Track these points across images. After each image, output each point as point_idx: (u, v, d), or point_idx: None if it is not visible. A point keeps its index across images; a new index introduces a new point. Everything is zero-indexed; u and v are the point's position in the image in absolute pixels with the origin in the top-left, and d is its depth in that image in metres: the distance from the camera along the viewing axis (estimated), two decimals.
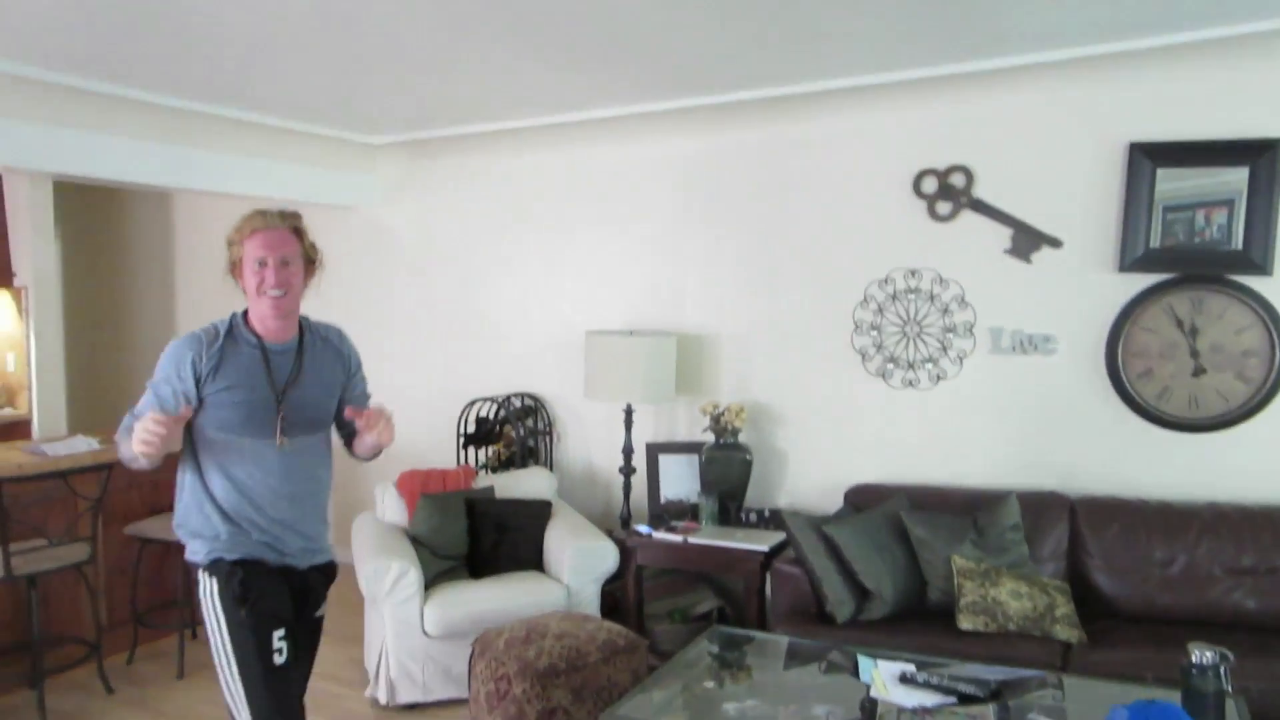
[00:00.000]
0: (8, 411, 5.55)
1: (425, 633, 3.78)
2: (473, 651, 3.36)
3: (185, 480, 2.43)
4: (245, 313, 2.45)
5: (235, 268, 2.43)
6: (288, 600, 2.44)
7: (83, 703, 3.92)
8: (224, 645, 2.37)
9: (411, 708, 3.84)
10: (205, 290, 6.25)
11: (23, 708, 3.81)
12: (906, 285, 4.16)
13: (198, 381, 2.32)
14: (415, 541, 4.08)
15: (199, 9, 2.94)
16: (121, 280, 6.72)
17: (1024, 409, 3.97)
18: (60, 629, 4.10)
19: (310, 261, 2.48)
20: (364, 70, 3.73)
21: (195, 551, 2.42)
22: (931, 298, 4.12)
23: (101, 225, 6.74)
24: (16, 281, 5.34)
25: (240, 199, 5.55)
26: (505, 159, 5.13)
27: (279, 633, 2.38)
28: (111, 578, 4.33)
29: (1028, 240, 3.91)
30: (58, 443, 4.27)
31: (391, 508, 4.29)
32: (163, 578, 4.48)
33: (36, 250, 5.29)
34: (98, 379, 6.77)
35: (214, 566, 2.38)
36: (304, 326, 2.52)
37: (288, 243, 2.41)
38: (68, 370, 5.71)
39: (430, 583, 3.92)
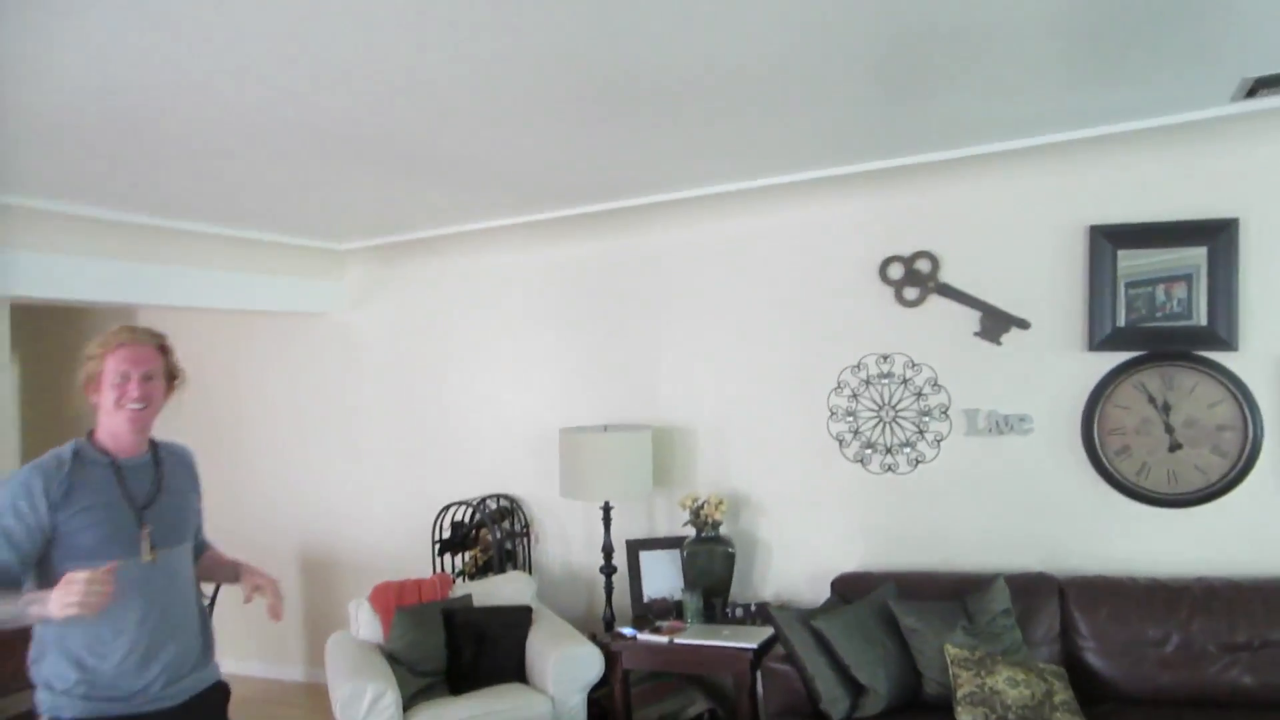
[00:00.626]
0: None
1: None
2: None
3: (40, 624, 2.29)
4: (90, 434, 2.42)
5: (92, 381, 2.40)
6: None
7: None
8: None
9: None
10: (167, 410, 6.10)
11: None
12: (879, 370, 4.18)
13: (51, 510, 2.23)
14: (392, 659, 3.93)
15: (151, 127, 2.92)
16: (82, 402, 6.55)
17: (1004, 489, 3.96)
18: None
19: (172, 378, 2.50)
20: (314, 180, 3.75)
21: (40, 701, 2.32)
22: (905, 381, 4.13)
23: (60, 344, 6.58)
24: None
25: (207, 313, 5.49)
26: (470, 260, 5.13)
27: None
28: None
29: (996, 322, 3.95)
30: None
31: (366, 624, 4.15)
32: None
33: None
34: None
35: None
36: (153, 442, 2.52)
37: (153, 359, 2.43)
38: None
39: (409, 703, 3.76)
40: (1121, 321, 3.71)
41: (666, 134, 3.27)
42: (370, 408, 5.48)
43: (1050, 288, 3.87)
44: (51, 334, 6.56)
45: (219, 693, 2.52)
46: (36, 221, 3.88)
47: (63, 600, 2.03)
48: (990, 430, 3.97)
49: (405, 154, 3.39)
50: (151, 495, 2.39)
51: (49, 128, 2.85)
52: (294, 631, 5.76)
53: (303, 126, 2.98)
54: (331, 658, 4.00)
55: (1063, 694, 3.28)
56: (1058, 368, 3.85)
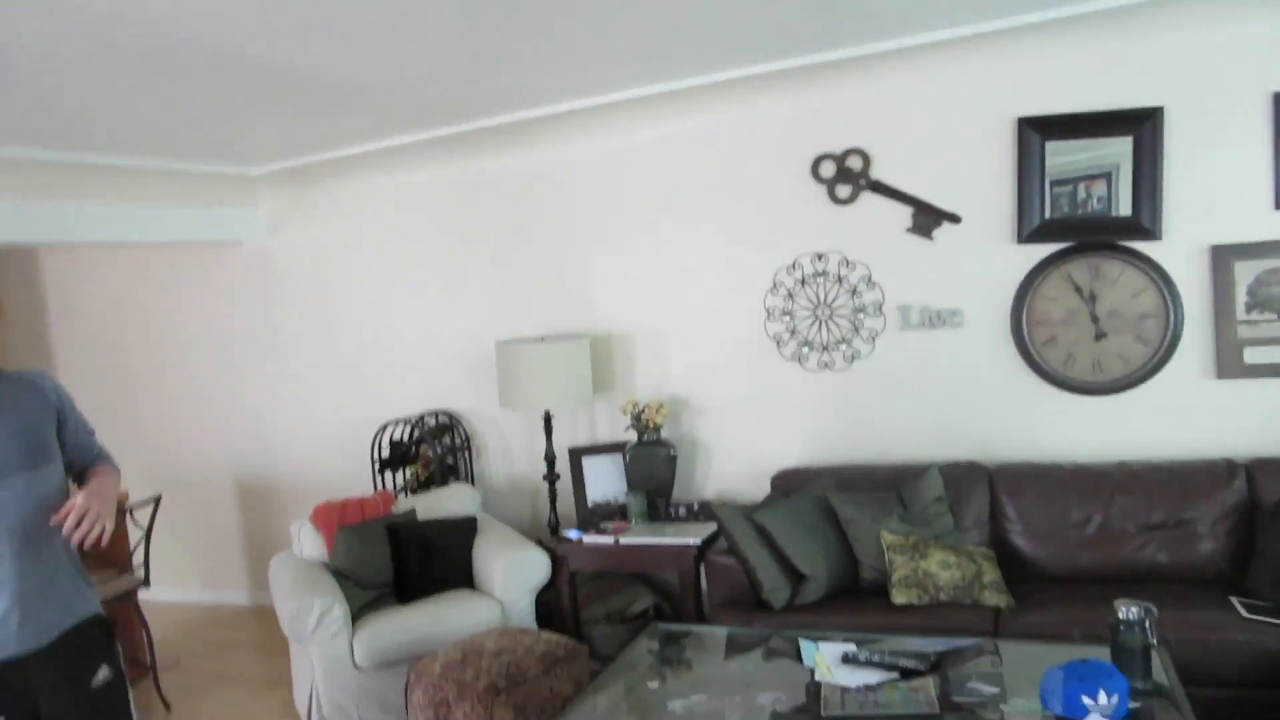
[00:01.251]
0: None
1: (356, 666, 3.65)
2: (408, 679, 3.26)
3: None
4: None
5: None
6: None
7: None
8: None
9: None
10: (85, 347, 5.92)
11: None
12: (814, 269, 4.20)
13: None
14: (338, 575, 3.92)
15: (19, 51, 2.73)
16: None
17: (937, 382, 4.04)
18: None
19: None
20: (205, 104, 3.57)
21: None
22: (839, 280, 4.16)
23: None
24: None
25: (116, 246, 5.25)
26: (392, 177, 4.96)
27: None
28: None
29: (928, 218, 3.98)
30: None
31: (309, 544, 4.12)
32: None
33: None
34: None
35: None
36: None
37: None
38: None
39: (357, 614, 3.78)
40: (1050, 214, 3.77)
41: (581, 35, 3.15)
42: (298, 332, 5.35)
43: (980, 181, 3.89)
44: None
45: (95, 627, 2.24)
46: None
47: None
48: (923, 325, 4.03)
49: (298, 76, 3.23)
50: None
51: None
52: (235, 556, 5.72)
53: (185, 47, 2.81)
54: (276, 576, 3.99)
55: (991, 574, 3.42)
56: (988, 261, 3.91)
